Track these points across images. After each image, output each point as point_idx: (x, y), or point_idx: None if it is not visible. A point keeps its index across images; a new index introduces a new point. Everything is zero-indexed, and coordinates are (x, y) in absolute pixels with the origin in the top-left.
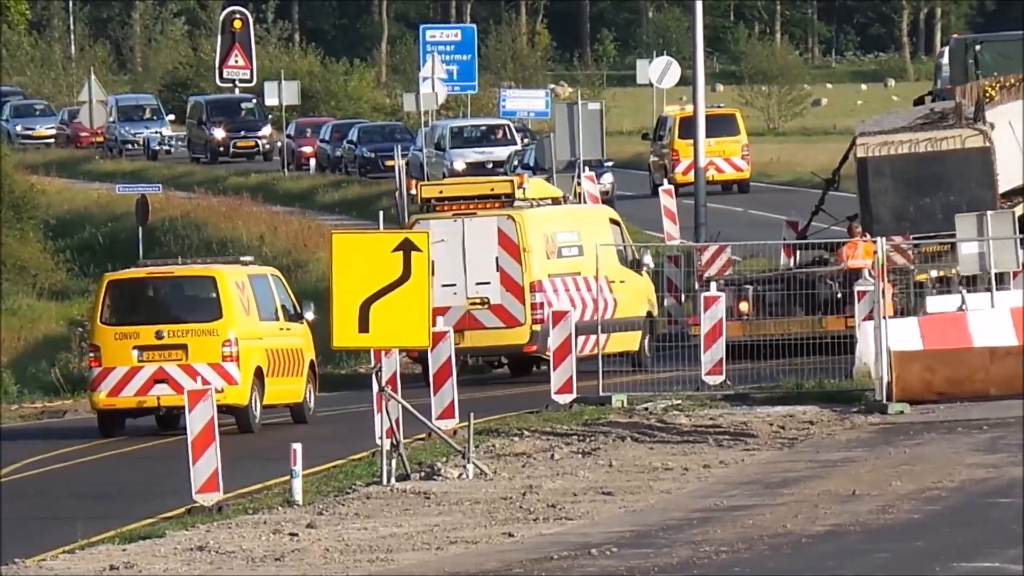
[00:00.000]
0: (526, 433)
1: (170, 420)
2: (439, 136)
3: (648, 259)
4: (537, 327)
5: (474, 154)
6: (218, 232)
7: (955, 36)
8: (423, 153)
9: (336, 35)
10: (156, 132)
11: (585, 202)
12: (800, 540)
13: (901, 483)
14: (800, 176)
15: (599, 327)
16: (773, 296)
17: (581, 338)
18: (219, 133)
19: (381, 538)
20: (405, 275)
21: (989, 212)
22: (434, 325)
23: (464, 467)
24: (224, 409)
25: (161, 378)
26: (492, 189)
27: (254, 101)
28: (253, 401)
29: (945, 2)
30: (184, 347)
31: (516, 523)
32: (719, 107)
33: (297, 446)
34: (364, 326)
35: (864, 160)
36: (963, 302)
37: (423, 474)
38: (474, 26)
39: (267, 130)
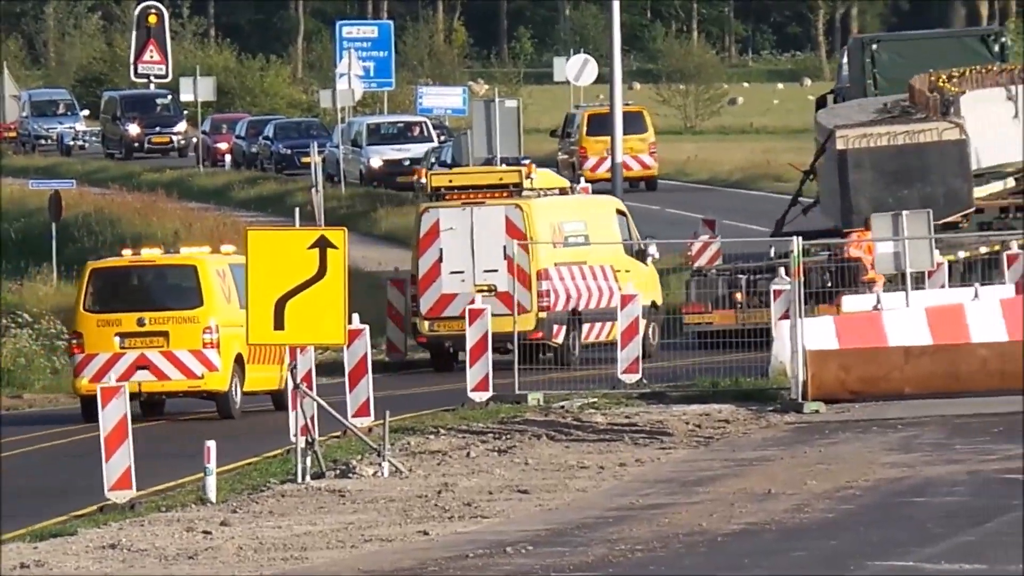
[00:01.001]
0: (442, 431)
1: (155, 406)
2: (356, 133)
3: (653, 249)
4: (543, 314)
5: (391, 151)
6: (132, 228)
7: (854, 36)
8: (339, 150)
9: (252, 31)
10: (70, 128)
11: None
12: (716, 538)
13: (816, 482)
14: (716, 175)
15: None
16: (765, 285)
17: (587, 326)
18: (134, 129)
19: (295, 536)
20: (321, 272)
21: (905, 212)
22: (443, 311)
23: (379, 465)
24: (205, 395)
25: (143, 364)
26: (501, 178)
27: (169, 97)
28: (233, 387)
29: (861, 2)
30: (165, 334)
31: (431, 521)
32: (628, 104)
33: (211, 443)
34: (279, 323)
35: (844, 152)
36: (878, 301)
37: (338, 472)
38: (391, 23)
39: (182, 126)
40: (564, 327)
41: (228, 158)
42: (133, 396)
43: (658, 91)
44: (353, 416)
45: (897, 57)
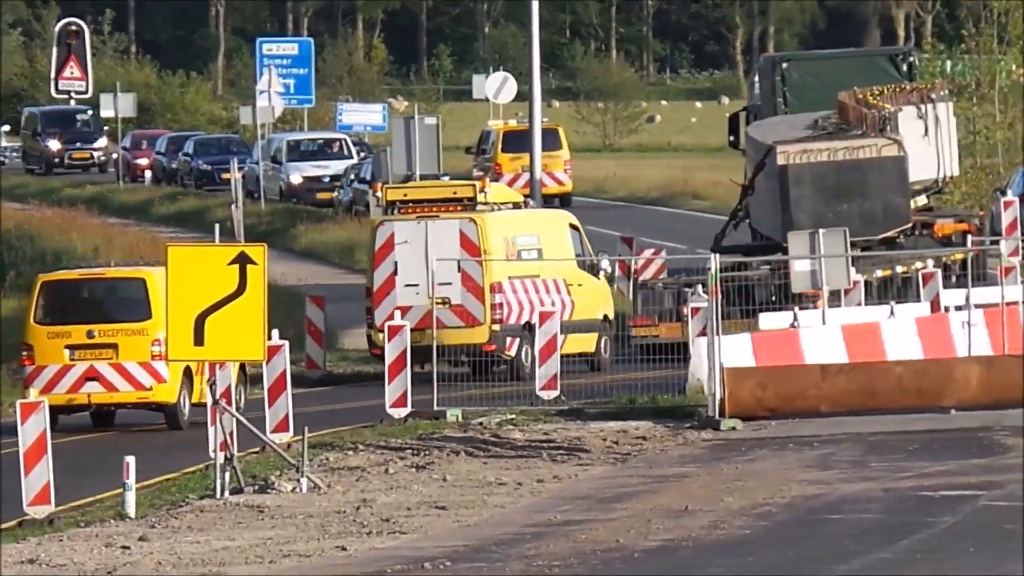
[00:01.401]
0: (360, 447)
1: (105, 417)
2: (276, 149)
3: (605, 263)
4: (496, 327)
5: (311, 168)
6: (52, 244)
7: (764, 55)
8: (259, 166)
9: (173, 47)
10: None
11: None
12: (633, 555)
13: (733, 499)
14: (634, 192)
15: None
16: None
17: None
18: (54, 145)
19: (214, 551)
20: (241, 288)
21: (821, 230)
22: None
23: (298, 481)
24: (154, 407)
25: (92, 376)
26: (455, 192)
27: (90, 113)
28: (182, 399)
29: (778, 21)
30: (114, 346)
31: (350, 537)
32: (543, 121)
33: (130, 459)
34: (199, 339)
35: (785, 167)
36: (795, 319)
37: (257, 487)
38: (311, 40)
39: (103, 142)
40: (517, 340)
41: (148, 174)
42: (83, 408)
43: (577, 109)
44: (272, 432)
45: (807, 76)
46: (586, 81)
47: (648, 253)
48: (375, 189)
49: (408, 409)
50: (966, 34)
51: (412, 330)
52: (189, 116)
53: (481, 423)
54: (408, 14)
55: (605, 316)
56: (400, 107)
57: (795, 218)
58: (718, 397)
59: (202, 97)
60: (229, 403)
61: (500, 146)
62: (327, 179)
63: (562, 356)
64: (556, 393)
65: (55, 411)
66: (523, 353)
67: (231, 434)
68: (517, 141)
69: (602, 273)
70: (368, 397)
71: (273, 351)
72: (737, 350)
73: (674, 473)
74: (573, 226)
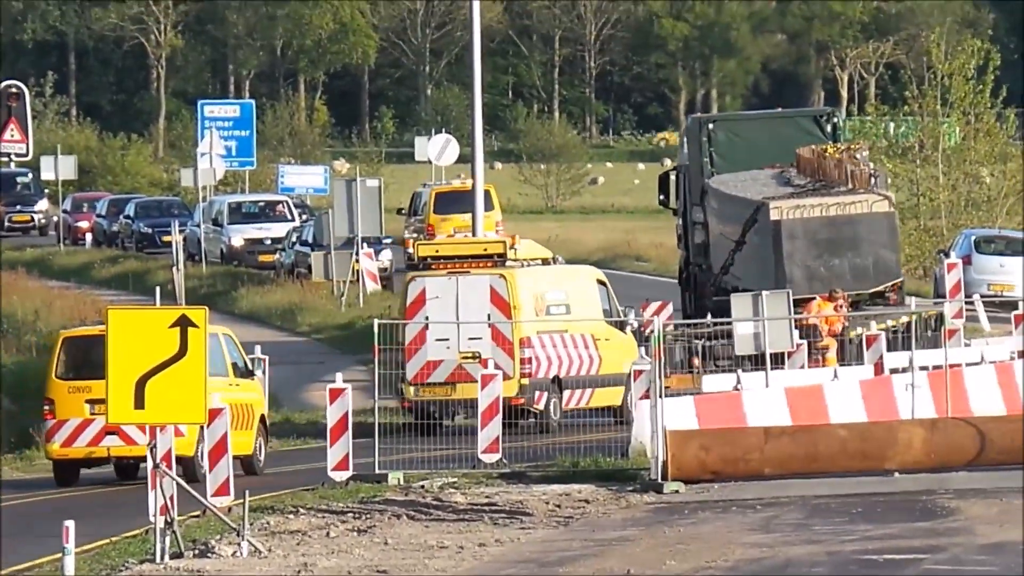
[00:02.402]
0: (301, 510)
1: (128, 470)
2: (217, 212)
3: (632, 318)
4: (525, 381)
5: (252, 230)
6: None
7: (692, 116)
8: (201, 229)
9: (113, 110)
10: None
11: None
12: None
13: (676, 562)
14: (577, 254)
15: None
16: (721, 350)
17: (567, 392)
18: None
19: None
20: (182, 351)
21: (764, 292)
22: (429, 377)
23: (238, 545)
24: None
25: (112, 430)
26: (485, 249)
27: (30, 175)
28: (199, 452)
29: (721, 83)
30: None
31: None
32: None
33: (70, 523)
34: (140, 402)
35: (778, 223)
36: (738, 381)
37: (197, 552)
38: (252, 102)
39: (43, 204)
40: (545, 393)
41: (89, 237)
42: (103, 461)
43: (520, 171)
44: (213, 495)
45: (733, 136)
46: (529, 143)
47: (655, 306)
48: (407, 245)
49: (349, 472)
50: (909, 96)
51: (442, 384)
52: (130, 179)
53: (423, 486)
54: (350, 76)
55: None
56: (342, 169)
57: (788, 272)
58: (661, 460)
59: (143, 159)
60: (169, 467)
61: (432, 207)
62: (269, 241)
63: (589, 409)
64: (498, 456)
65: (76, 464)
66: (551, 406)
67: (171, 498)
68: (449, 202)
69: (628, 328)
70: (309, 460)
71: (214, 414)
72: (680, 413)
73: (617, 536)
74: (600, 282)
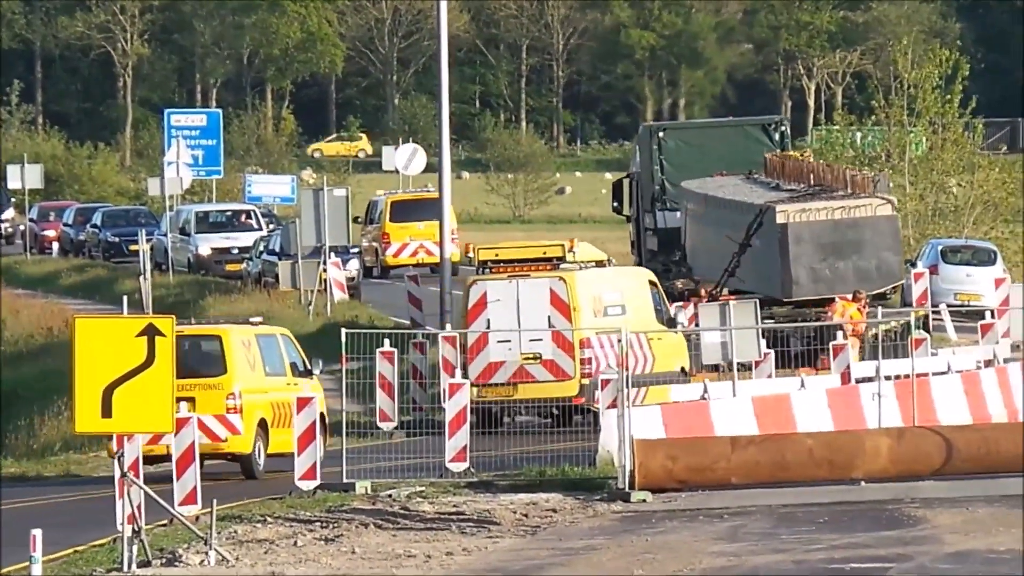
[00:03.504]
0: (269, 519)
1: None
2: (184, 221)
3: (682, 317)
4: (585, 380)
5: (219, 239)
6: None
7: (643, 124)
8: (168, 238)
9: (80, 119)
10: None
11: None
12: None
13: (643, 571)
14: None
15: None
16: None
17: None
18: None
19: None
20: (149, 360)
21: (732, 302)
22: (491, 377)
23: (206, 554)
24: (229, 457)
25: None
26: (544, 252)
27: None
28: (257, 449)
29: (688, 93)
30: (192, 400)
31: None
32: (428, 190)
33: (37, 532)
34: (107, 411)
35: (785, 226)
36: (705, 391)
37: (164, 560)
38: (219, 111)
39: (9, 213)
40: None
41: (56, 246)
42: (163, 459)
43: (487, 180)
44: (180, 504)
45: (682, 144)
46: (496, 152)
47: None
48: (467, 249)
49: (317, 481)
50: (876, 105)
51: (504, 384)
52: (97, 188)
53: (390, 495)
54: (318, 85)
55: (682, 368)
56: (309, 179)
57: (795, 274)
58: (628, 469)
59: (110, 169)
60: (137, 476)
61: (388, 216)
62: (236, 250)
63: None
64: (465, 465)
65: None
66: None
67: (139, 507)
68: (405, 210)
69: (679, 327)
70: (277, 469)
71: (181, 423)
72: (647, 422)
73: (584, 546)
74: (652, 283)
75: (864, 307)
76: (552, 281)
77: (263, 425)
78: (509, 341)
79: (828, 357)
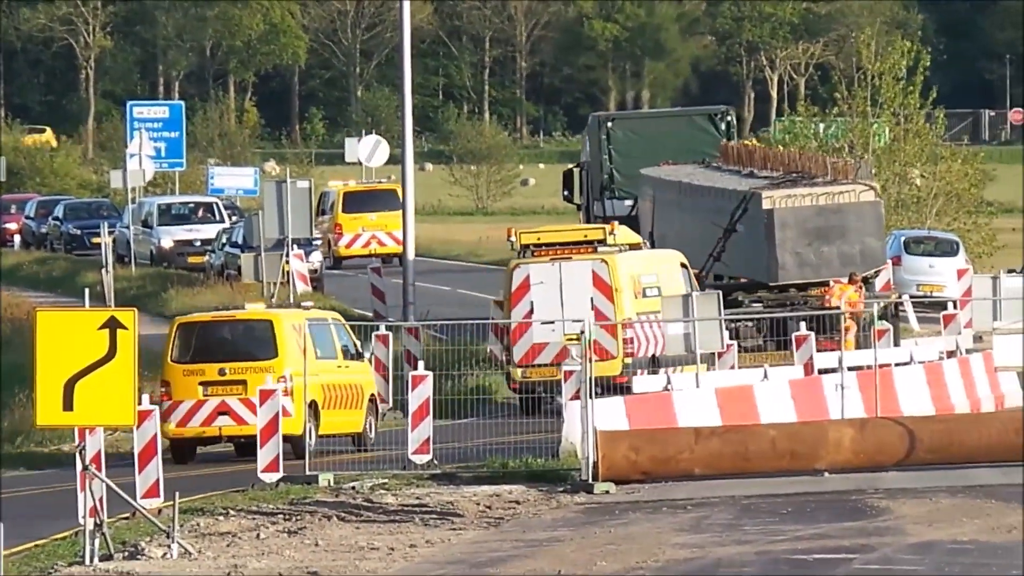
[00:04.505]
0: (232, 512)
1: (246, 448)
2: (146, 213)
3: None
4: (628, 360)
5: (182, 232)
6: None
7: (592, 114)
8: (130, 230)
9: (42, 111)
10: None
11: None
12: None
13: (606, 563)
14: (508, 256)
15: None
16: (747, 331)
17: (661, 370)
18: None
19: None
20: (111, 353)
21: (695, 293)
22: (535, 359)
23: (168, 547)
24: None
25: (223, 410)
26: (585, 236)
27: None
28: (308, 431)
29: (652, 85)
30: (244, 383)
31: None
32: (381, 182)
33: None
34: (68, 404)
35: (771, 212)
36: (668, 382)
37: (127, 554)
38: (182, 103)
39: None
40: (645, 372)
41: (17, 238)
42: (215, 440)
43: (450, 172)
44: (142, 497)
45: (630, 133)
46: (459, 144)
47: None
48: (509, 234)
49: (280, 474)
50: (839, 97)
51: (548, 365)
52: (59, 180)
53: (353, 487)
54: (280, 77)
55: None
56: (272, 171)
57: (780, 259)
58: (591, 460)
59: (72, 161)
60: (99, 468)
61: (340, 207)
62: (198, 243)
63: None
64: (429, 457)
65: (192, 443)
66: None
67: (101, 500)
68: (357, 202)
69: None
70: (239, 461)
71: (143, 416)
72: (610, 413)
73: (547, 537)
74: (683, 265)
75: (860, 289)
76: (594, 263)
77: (314, 407)
78: (553, 322)
79: (841, 338)
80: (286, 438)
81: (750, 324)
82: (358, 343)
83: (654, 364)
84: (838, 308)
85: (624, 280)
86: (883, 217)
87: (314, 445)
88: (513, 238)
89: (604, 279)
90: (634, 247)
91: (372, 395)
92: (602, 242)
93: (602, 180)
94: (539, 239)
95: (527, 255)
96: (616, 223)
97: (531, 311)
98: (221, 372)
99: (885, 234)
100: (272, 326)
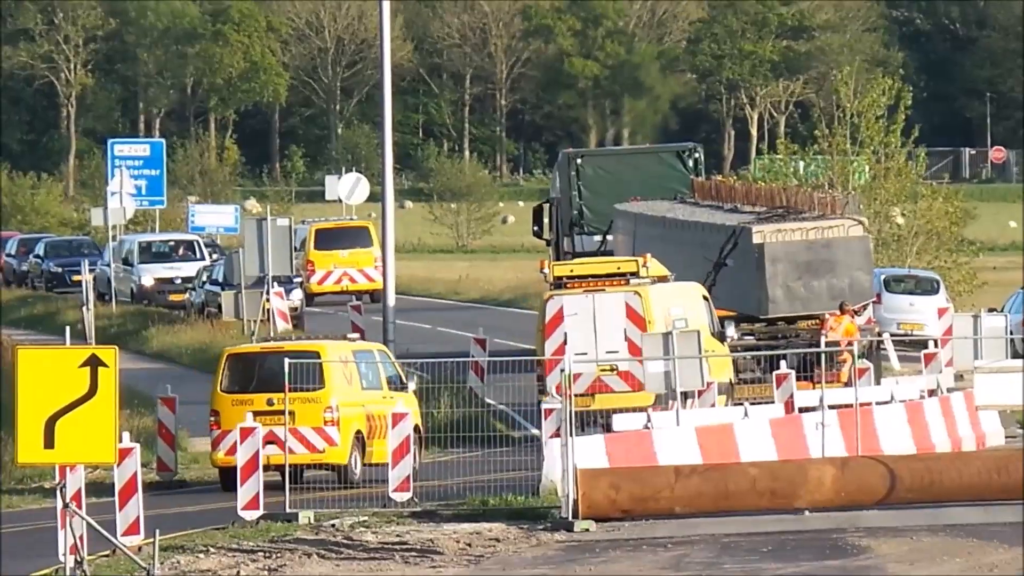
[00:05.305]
0: (212, 550)
1: (295, 475)
2: (127, 251)
3: (731, 331)
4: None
5: (163, 269)
6: None
7: (562, 151)
8: (111, 268)
9: (23, 149)
10: None
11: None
12: None
13: None
14: (487, 293)
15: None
16: (746, 364)
17: (688, 401)
18: None
19: None
20: (92, 391)
21: (675, 331)
22: (569, 390)
23: None
24: (326, 467)
25: (271, 440)
26: (619, 268)
27: None
28: (353, 460)
29: (632, 123)
30: (291, 413)
31: None
32: (352, 219)
33: None
34: (50, 442)
35: (762, 246)
36: (648, 420)
37: None
38: (163, 141)
39: None
40: (676, 402)
41: None
42: (264, 468)
43: (430, 209)
44: (123, 535)
45: (599, 170)
46: (439, 182)
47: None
48: (542, 265)
49: (260, 511)
50: (819, 135)
51: (580, 395)
52: (40, 218)
53: (334, 525)
54: (261, 115)
55: (730, 380)
56: (252, 208)
57: (771, 293)
58: (571, 498)
59: (53, 199)
60: (80, 507)
61: (313, 243)
62: (179, 281)
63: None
64: (409, 495)
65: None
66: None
67: (81, 537)
68: (329, 239)
69: (728, 340)
70: (219, 499)
71: (124, 454)
72: (591, 451)
73: (527, 575)
74: (705, 297)
75: (854, 319)
76: (627, 295)
77: (359, 437)
78: (586, 353)
79: (840, 370)
80: (332, 467)
81: (748, 357)
82: (403, 375)
83: (683, 395)
84: (838, 343)
85: (657, 312)
86: (871, 252)
87: (359, 473)
88: (546, 270)
89: (637, 311)
90: (662, 279)
91: (416, 425)
92: (635, 274)
93: (571, 216)
94: (572, 271)
95: (560, 287)
96: (648, 255)
97: (565, 342)
98: (269, 402)
99: (872, 268)
100: (319, 357)
